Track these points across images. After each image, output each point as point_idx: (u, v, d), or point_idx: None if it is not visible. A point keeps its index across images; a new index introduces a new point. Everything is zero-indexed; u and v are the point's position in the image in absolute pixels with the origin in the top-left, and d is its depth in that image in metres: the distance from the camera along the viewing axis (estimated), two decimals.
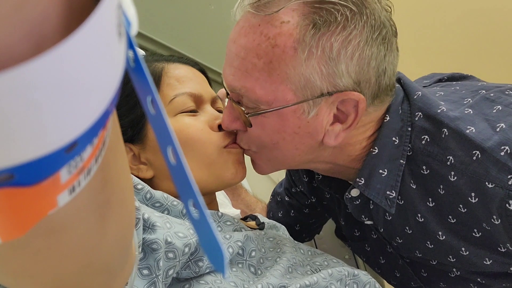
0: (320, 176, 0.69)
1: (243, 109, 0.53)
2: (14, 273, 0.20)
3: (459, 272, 0.62)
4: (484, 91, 0.57)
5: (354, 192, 0.60)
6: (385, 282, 0.92)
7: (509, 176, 0.48)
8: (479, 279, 0.61)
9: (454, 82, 0.66)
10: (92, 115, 0.12)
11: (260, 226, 0.67)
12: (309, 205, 0.83)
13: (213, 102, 0.64)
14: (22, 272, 0.19)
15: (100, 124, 0.13)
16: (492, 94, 0.55)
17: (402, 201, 0.57)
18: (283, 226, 0.73)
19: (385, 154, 0.56)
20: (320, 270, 0.55)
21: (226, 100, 0.60)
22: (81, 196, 0.15)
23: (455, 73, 0.70)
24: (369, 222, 0.64)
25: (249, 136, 0.57)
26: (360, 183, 0.57)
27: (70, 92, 0.11)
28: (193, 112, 0.60)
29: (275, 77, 0.49)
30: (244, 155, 0.63)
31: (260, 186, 1.09)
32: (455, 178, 0.52)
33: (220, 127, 0.60)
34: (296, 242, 0.64)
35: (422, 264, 0.66)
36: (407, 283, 0.71)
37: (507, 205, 0.48)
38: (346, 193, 0.61)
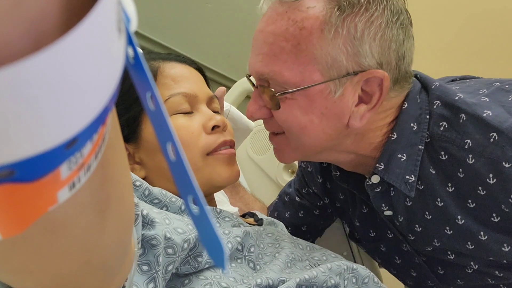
0: (338, 173, 0.69)
1: (273, 89, 0.54)
2: (14, 270, 0.20)
3: (476, 266, 0.62)
4: (498, 83, 0.59)
5: (375, 179, 0.60)
6: (381, 275, 0.93)
7: None
8: (496, 272, 0.61)
9: (468, 80, 0.67)
10: (92, 111, 0.12)
11: (259, 222, 0.67)
12: (320, 207, 0.83)
13: (209, 102, 0.63)
14: (22, 269, 0.20)
15: (100, 120, 0.13)
16: (507, 86, 0.57)
17: (422, 186, 0.58)
18: (281, 223, 0.73)
19: (403, 140, 0.57)
20: (319, 265, 0.55)
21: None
22: (81, 192, 0.15)
23: (466, 75, 0.70)
24: (388, 213, 0.64)
25: (276, 121, 0.58)
26: (380, 168, 0.58)
27: (70, 89, 0.11)
28: (188, 113, 0.59)
29: (303, 58, 0.51)
30: (235, 155, 0.63)
31: (259, 185, 1.09)
32: (473, 160, 0.53)
33: (214, 128, 0.59)
34: (294, 237, 0.64)
35: (439, 261, 0.66)
36: (424, 282, 0.71)
37: None
38: (367, 180, 0.61)
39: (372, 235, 0.73)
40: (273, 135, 0.63)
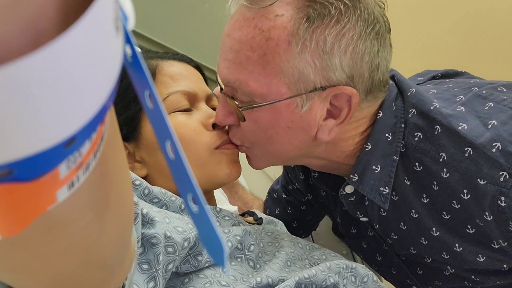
0: (316, 174, 0.69)
1: (237, 103, 0.53)
2: (14, 269, 0.20)
3: (453, 270, 0.62)
4: (476, 88, 0.57)
5: (349, 189, 0.60)
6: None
7: (500, 173, 0.47)
8: (473, 277, 0.61)
9: (448, 80, 0.66)
10: (90, 110, 0.12)
11: (258, 221, 0.67)
12: (305, 202, 0.83)
13: (208, 100, 0.63)
14: (22, 268, 0.19)
15: (98, 119, 0.13)
16: (484, 91, 0.55)
17: (397, 197, 0.58)
18: (281, 222, 0.73)
19: (378, 150, 0.56)
20: (318, 264, 0.55)
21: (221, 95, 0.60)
22: (80, 191, 0.15)
23: (449, 69, 0.70)
24: (364, 219, 0.64)
25: (242, 131, 0.56)
26: (354, 179, 0.57)
27: (68, 87, 0.11)
28: (187, 110, 0.59)
29: (269, 70, 0.49)
30: (239, 152, 0.63)
31: (257, 183, 1.10)
32: (448, 175, 0.52)
33: (214, 126, 0.59)
34: (294, 236, 0.64)
35: (417, 262, 0.66)
36: (403, 280, 0.72)
37: (499, 201, 0.48)
38: (341, 190, 0.61)
39: (354, 231, 0.73)
40: (240, 145, 0.61)
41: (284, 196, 0.85)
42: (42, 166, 0.12)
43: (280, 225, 0.72)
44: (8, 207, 0.13)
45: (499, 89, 0.55)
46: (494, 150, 0.48)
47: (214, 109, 0.64)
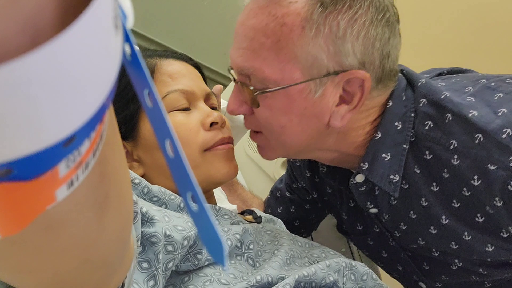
0: (325, 168, 0.69)
1: (252, 88, 0.53)
2: (13, 269, 0.20)
3: (461, 264, 0.62)
4: (485, 80, 0.58)
5: (359, 178, 0.60)
6: (380, 272, 0.93)
7: (510, 158, 0.48)
8: (480, 270, 0.61)
9: (455, 75, 0.66)
10: (89, 109, 0.12)
11: (258, 219, 0.67)
12: (310, 201, 0.83)
13: (206, 99, 0.63)
14: (21, 268, 0.19)
15: (97, 118, 0.13)
16: (493, 83, 0.56)
17: (407, 186, 0.58)
18: (280, 220, 0.73)
19: (388, 139, 0.56)
20: (317, 262, 0.55)
21: (230, 87, 0.60)
22: (79, 190, 0.15)
23: (454, 67, 0.70)
24: (373, 211, 0.64)
25: (256, 119, 0.57)
26: (364, 168, 0.57)
27: (68, 86, 0.11)
28: (186, 109, 0.59)
29: (283, 56, 0.50)
30: (233, 151, 0.63)
31: (256, 182, 1.10)
32: (458, 161, 0.52)
33: (212, 125, 0.59)
34: (293, 235, 0.64)
35: (424, 257, 0.66)
36: (410, 276, 0.72)
37: (509, 186, 0.49)
38: (351, 179, 0.61)
39: (359, 228, 0.73)
40: (253, 133, 0.62)
41: (288, 194, 0.85)
42: (41, 165, 0.12)
43: (279, 224, 0.72)
44: (8, 206, 0.13)
45: (507, 81, 0.56)
46: (504, 136, 0.49)
47: (213, 108, 0.64)
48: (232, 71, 0.58)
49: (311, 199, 0.82)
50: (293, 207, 0.84)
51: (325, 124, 0.54)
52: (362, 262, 0.60)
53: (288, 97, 0.52)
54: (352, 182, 0.61)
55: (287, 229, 0.72)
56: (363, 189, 0.61)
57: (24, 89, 0.10)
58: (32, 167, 0.12)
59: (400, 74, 0.60)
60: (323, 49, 0.49)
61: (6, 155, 0.11)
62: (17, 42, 0.11)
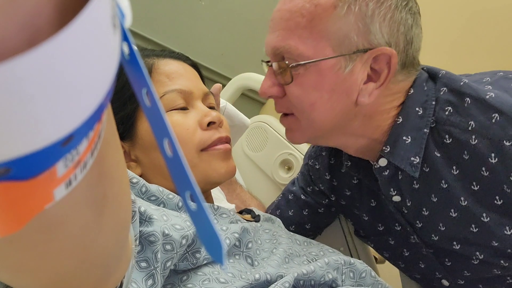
0: (349, 163, 0.70)
1: (287, 62, 0.57)
2: (11, 268, 0.20)
3: (482, 256, 0.63)
4: (502, 73, 0.61)
5: (382, 162, 0.62)
6: (379, 270, 0.93)
7: None
8: (502, 262, 0.62)
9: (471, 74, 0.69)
10: (87, 108, 0.12)
11: (256, 218, 0.67)
12: (325, 205, 0.83)
13: (204, 98, 0.63)
14: (19, 267, 0.19)
15: (95, 117, 0.13)
16: (510, 75, 0.59)
17: (428, 169, 0.60)
18: (279, 219, 0.73)
19: (408, 123, 0.59)
20: (316, 260, 0.55)
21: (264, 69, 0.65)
22: (78, 190, 0.15)
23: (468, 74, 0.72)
24: (396, 199, 0.65)
25: (287, 100, 0.60)
26: (386, 151, 0.60)
27: (66, 85, 0.11)
28: (183, 109, 0.59)
29: (316, 33, 0.55)
30: (231, 150, 0.63)
31: (255, 182, 1.10)
32: (476, 141, 0.55)
33: (209, 124, 0.59)
34: (291, 233, 0.64)
35: (445, 251, 0.67)
36: (432, 274, 0.72)
37: None
38: (374, 163, 0.63)
39: (381, 228, 0.74)
40: (283, 116, 0.65)
41: (302, 197, 0.85)
42: (39, 164, 0.12)
43: (278, 223, 0.72)
44: (5, 205, 0.13)
45: None
46: None
47: (211, 107, 0.64)
48: (263, 64, 0.63)
49: (326, 203, 0.83)
50: (306, 210, 0.85)
51: (353, 102, 0.58)
52: (360, 260, 0.60)
53: (320, 73, 0.56)
54: (375, 166, 0.63)
55: (297, 232, 0.72)
56: (386, 173, 0.63)
57: (22, 88, 0.10)
58: (30, 166, 0.12)
59: (421, 69, 0.63)
60: (353, 27, 0.54)
61: (4, 154, 0.11)
62: (15, 42, 0.11)
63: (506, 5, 1.19)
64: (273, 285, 0.45)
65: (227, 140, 0.61)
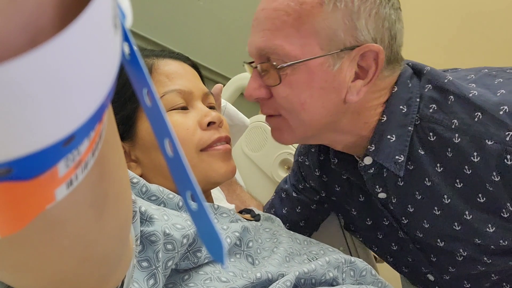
0: (336, 160, 0.70)
1: (275, 63, 0.56)
2: (13, 268, 0.20)
3: (465, 253, 0.63)
4: (486, 70, 0.61)
5: (367, 160, 0.62)
6: (379, 268, 0.93)
7: (507, 133, 0.51)
8: (485, 258, 0.62)
9: (459, 69, 0.69)
10: (89, 108, 0.12)
11: (256, 217, 0.67)
12: (316, 201, 0.83)
13: (204, 98, 0.63)
14: (21, 267, 0.19)
15: (97, 117, 0.13)
16: (494, 72, 0.59)
17: (412, 166, 0.60)
18: (278, 218, 0.73)
19: (393, 121, 0.59)
20: (316, 259, 0.55)
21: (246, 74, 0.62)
22: (79, 190, 0.15)
23: (457, 68, 0.71)
24: (382, 195, 0.65)
25: (274, 102, 0.59)
26: (371, 149, 0.60)
27: (67, 85, 0.11)
28: (183, 109, 0.59)
29: (303, 31, 0.54)
30: (231, 150, 0.63)
31: (254, 182, 1.10)
32: (459, 139, 0.55)
33: (209, 124, 0.59)
34: (292, 232, 0.65)
35: (431, 247, 0.67)
36: (419, 268, 0.73)
37: (505, 160, 0.51)
38: (360, 162, 0.63)
39: (369, 223, 0.74)
40: (269, 116, 0.63)
41: (294, 194, 0.85)
42: (41, 164, 0.12)
43: (278, 222, 0.72)
44: (7, 205, 0.13)
45: (508, 71, 0.59)
46: (501, 112, 0.52)
47: (210, 107, 0.64)
48: (245, 65, 0.61)
49: (318, 199, 0.83)
50: (299, 207, 0.85)
51: (342, 100, 0.57)
52: (360, 259, 0.60)
53: (309, 71, 0.55)
54: (360, 165, 0.63)
55: (292, 230, 0.72)
56: (371, 171, 0.63)
57: (23, 88, 0.10)
58: (32, 166, 0.12)
59: (405, 65, 0.62)
60: (340, 24, 0.53)
61: (5, 154, 0.11)
62: (17, 42, 0.11)
63: (501, 9, 1.21)
64: (274, 283, 0.45)
65: (227, 140, 0.61)
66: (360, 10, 0.53)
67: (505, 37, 1.20)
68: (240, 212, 0.72)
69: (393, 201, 0.65)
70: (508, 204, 0.53)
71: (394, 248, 0.73)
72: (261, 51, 0.57)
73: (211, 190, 0.67)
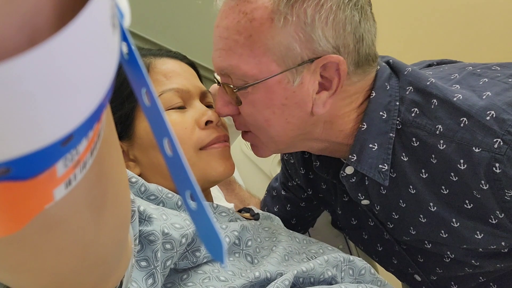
0: (318, 163, 0.69)
1: (232, 86, 0.55)
2: (12, 269, 0.20)
3: (453, 255, 0.62)
4: (471, 67, 0.58)
5: (349, 170, 0.60)
6: (378, 267, 0.93)
7: (494, 140, 0.49)
8: (473, 261, 0.62)
9: (444, 65, 0.67)
10: (87, 108, 0.12)
11: (255, 216, 0.67)
12: (305, 199, 0.83)
13: (202, 97, 0.63)
14: (20, 267, 0.19)
15: (95, 117, 0.13)
16: (478, 70, 0.57)
17: (395, 174, 0.59)
18: (277, 217, 0.73)
19: (373, 129, 0.57)
20: (315, 258, 0.56)
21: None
22: (77, 189, 0.15)
23: (444, 59, 0.70)
24: (365, 202, 0.64)
25: (243, 117, 0.58)
26: (352, 160, 0.58)
27: (65, 85, 0.11)
28: (181, 108, 0.59)
29: (257, 50, 0.52)
30: (230, 149, 0.63)
31: (254, 181, 1.10)
32: (444, 146, 0.53)
33: (207, 123, 0.59)
34: (291, 231, 0.65)
35: (418, 249, 0.67)
36: (405, 269, 0.72)
37: (493, 168, 0.49)
38: (341, 172, 0.61)
39: (354, 223, 0.73)
40: (244, 133, 0.63)
41: (283, 193, 0.85)
42: (39, 164, 0.12)
43: (277, 221, 0.72)
44: (5, 205, 0.13)
45: (493, 68, 0.57)
46: (488, 118, 0.50)
47: (208, 106, 0.64)
48: (215, 75, 0.59)
49: (306, 196, 0.82)
50: (289, 205, 0.85)
51: (309, 113, 0.55)
52: (360, 257, 0.60)
53: (268, 90, 0.53)
54: (342, 175, 0.61)
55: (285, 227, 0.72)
56: (353, 180, 0.61)
57: (21, 88, 0.10)
58: (30, 166, 0.12)
59: (383, 64, 0.60)
60: (294, 38, 0.50)
61: (4, 154, 0.11)
62: (15, 41, 0.11)
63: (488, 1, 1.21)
64: (273, 282, 0.45)
65: (225, 139, 0.61)
66: (315, 20, 0.50)
67: (491, 30, 1.20)
68: (239, 211, 0.72)
69: (377, 208, 0.64)
70: (497, 212, 0.52)
71: (380, 249, 0.73)
72: (221, 70, 0.55)
73: (210, 189, 0.67)
